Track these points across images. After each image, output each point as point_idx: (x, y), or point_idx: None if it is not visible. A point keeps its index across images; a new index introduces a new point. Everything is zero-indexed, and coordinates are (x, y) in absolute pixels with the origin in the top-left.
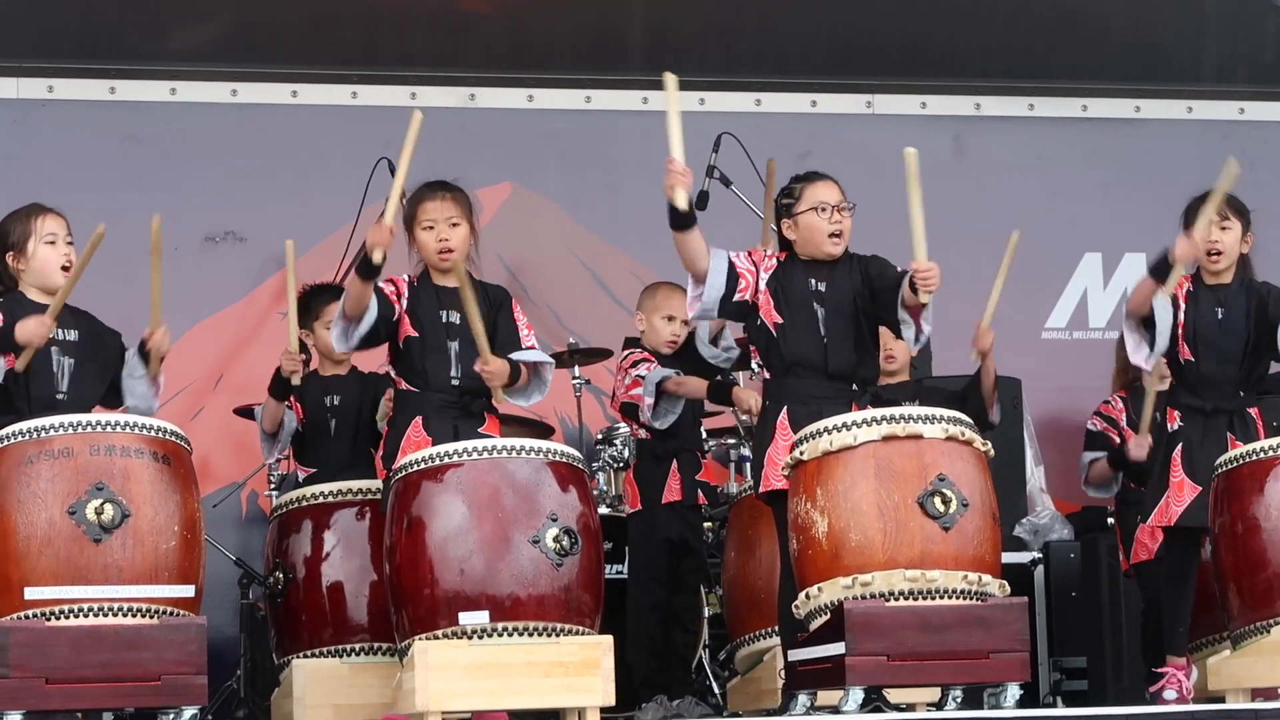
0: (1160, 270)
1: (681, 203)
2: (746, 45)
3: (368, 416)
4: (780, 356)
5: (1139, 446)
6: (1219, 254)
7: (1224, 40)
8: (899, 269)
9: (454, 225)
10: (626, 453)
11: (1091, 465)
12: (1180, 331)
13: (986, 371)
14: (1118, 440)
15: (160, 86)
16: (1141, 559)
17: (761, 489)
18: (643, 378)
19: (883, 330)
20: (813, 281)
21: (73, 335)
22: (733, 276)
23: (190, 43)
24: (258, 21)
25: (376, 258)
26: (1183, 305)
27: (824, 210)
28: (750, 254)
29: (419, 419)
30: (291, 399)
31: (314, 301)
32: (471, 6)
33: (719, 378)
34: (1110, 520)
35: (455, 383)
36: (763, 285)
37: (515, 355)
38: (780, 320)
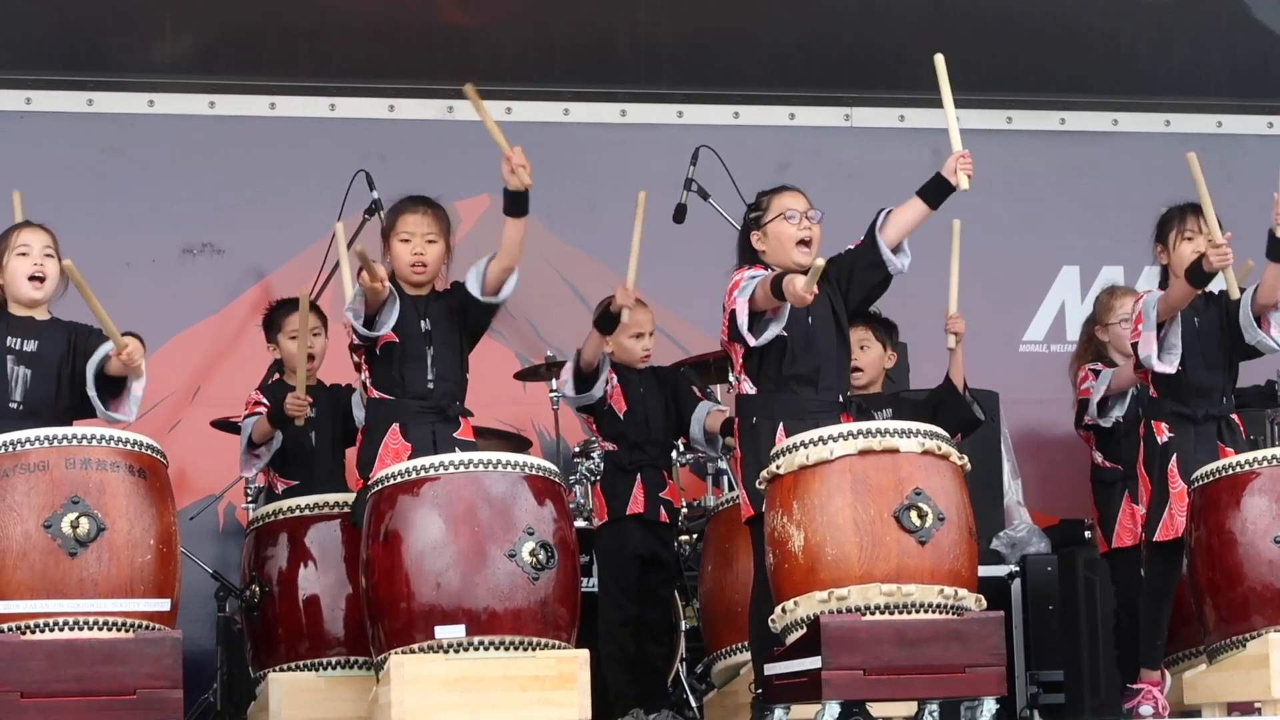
0: (1197, 278)
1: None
2: (725, 58)
3: (343, 424)
4: (779, 371)
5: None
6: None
7: (1201, 53)
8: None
9: (430, 242)
10: (602, 465)
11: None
12: (1162, 344)
13: (956, 367)
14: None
15: (138, 98)
16: (1126, 544)
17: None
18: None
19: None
20: None
21: (31, 345)
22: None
23: (168, 55)
24: (236, 34)
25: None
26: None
27: (792, 217)
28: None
29: (396, 426)
30: None
31: (277, 315)
32: (451, 19)
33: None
34: (1088, 534)
35: (431, 386)
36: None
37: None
38: (784, 334)
